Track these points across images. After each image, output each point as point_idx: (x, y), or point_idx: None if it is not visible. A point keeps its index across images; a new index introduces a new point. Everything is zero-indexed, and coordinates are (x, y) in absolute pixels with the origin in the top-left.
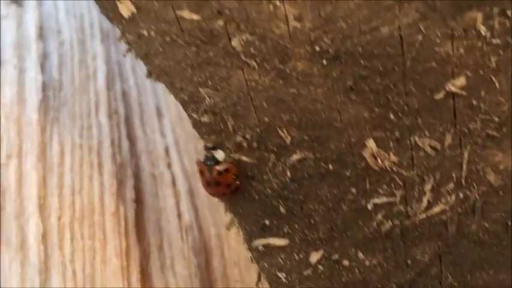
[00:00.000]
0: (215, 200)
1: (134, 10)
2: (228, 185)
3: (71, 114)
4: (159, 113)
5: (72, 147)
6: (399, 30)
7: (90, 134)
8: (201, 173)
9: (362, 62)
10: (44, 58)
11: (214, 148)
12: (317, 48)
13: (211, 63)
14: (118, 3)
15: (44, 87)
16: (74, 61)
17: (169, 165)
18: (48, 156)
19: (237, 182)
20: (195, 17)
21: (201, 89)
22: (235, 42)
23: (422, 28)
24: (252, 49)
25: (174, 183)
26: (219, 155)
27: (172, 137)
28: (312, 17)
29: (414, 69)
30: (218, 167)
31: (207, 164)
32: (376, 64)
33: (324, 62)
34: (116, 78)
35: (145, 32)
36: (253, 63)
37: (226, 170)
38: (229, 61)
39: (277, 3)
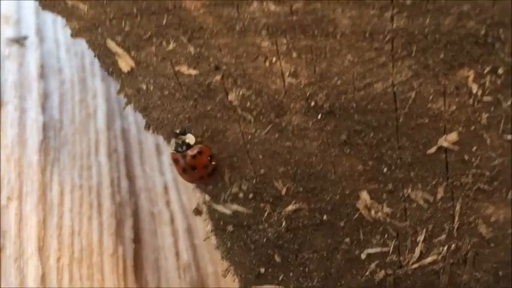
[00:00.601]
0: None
1: (133, 65)
2: (204, 166)
3: (71, 154)
4: (158, 151)
5: (72, 188)
6: (393, 87)
7: (90, 173)
8: (175, 161)
9: (356, 117)
10: (44, 98)
11: (184, 132)
12: (312, 103)
13: (209, 116)
14: (118, 58)
15: (45, 128)
16: (75, 100)
17: (168, 203)
18: (48, 197)
19: (213, 163)
20: (193, 72)
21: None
22: (232, 97)
23: (415, 85)
24: (248, 103)
25: (172, 221)
26: (190, 139)
27: (171, 174)
28: (307, 73)
29: (407, 125)
30: (191, 151)
31: (179, 150)
32: (370, 119)
33: (319, 116)
34: (116, 116)
35: (144, 86)
36: (250, 116)
37: (200, 153)
38: (226, 114)
39: (273, 59)
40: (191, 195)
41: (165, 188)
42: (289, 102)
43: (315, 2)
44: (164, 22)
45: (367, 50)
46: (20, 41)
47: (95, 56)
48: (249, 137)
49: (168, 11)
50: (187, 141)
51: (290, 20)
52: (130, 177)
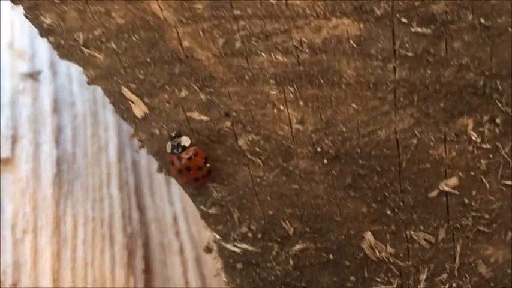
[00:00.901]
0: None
1: (147, 111)
2: (199, 168)
3: (84, 187)
4: (167, 181)
5: (85, 220)
6: (395, 134)
7: (102, 206)
8: (171, 163)
9: (360, 161)
10: (58, 132)
11: (179, 135)
12: (318, 149)
13: (219, 160)
14: (132, 104)
15: (58, 161)
16: (87, 133)
17: (177, 234)
18: (62, 230)
19: (208, 165)
20: (204, 118)
21: (209, 184)
22: (241, 142)
23: (417, 132)
24: (257, 148)
25: (182, 251)
26: (184, 141)
27: (180, 205)
28: (314, 121)
29: (410, 170)
30: (186, 153)
31: (175, 152)
32: (373, 164)
33: (325, 161)
34: (127, 148)
35: (157, 131)
36: (258, 161)
37: (195, 155)
38: (235, 158)
39: (281, 107)
40: (200, 225)
41: (175, 218)
42: (297, 148)
43: (321, 54)
44: (177, 71)
45: (371, 99)
46: (34, 75)
47: (110, 103)
48: (258, 179)
49: (181, 60)
50: (182, 143)
51: (297, 70)
52: (141, 208)
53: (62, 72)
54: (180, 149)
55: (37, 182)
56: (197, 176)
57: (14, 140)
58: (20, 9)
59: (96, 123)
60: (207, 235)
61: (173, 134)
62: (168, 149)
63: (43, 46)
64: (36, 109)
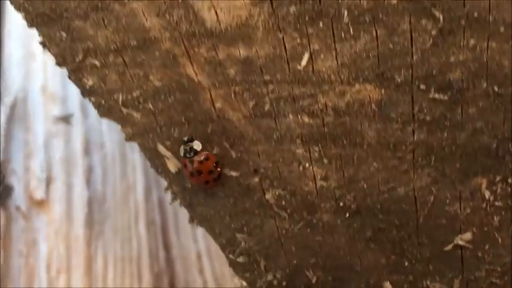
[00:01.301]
0: None
1: (180, 166)
2: (209, 171)
3: (113, 227)
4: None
5: (114, 260)
6: (414, 191)
7: (131, 245)
8: (184, 166)
9: (380, 216)
10: (89, 172)
11: (191, 140)
12: (341, 204)
13: (247, 212)
14: (166, 159)
15: (90, 202)
16: (116, 173)
17: (201, 271)
18: (94, 269)
19: (218, 169)
20: (234, 173)
21: (237, 235)
22: (268, 196)
23: (434, 190)
24: (283, 202)
25: None
26: (197, 145)
27: (204, 242)
28: (337, 177)
29: (427, 224)
30: (198, 157)
31: (187, 156)
32: (392, 219)
33: (347, 215)
34: (153, 187)
35: (189, 185)
36: (284, 214)
37: (206, 159)
38: (263, 211)
39: (307, 164)
40: (223, 262)
41: (199, 256)
42: (320, 202)
43: (345, 116)
44: (209, 130)
45: (391, 158)
46: (66, 118)
47: (145, 158)
48: (283, 231)
49: (213, 120)
50: (194, 147)
51: (322, 131)
52: (167, 246)
53: (92, 114)
54: (192, 153)
55: (70, 223)
56: (207, 179)
57: (48, 181)
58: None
59: (124, 163)
60: (234, 282)
61: (186, 139)
62: (181, 152)
63: (74, 88)
64: (69, 151)
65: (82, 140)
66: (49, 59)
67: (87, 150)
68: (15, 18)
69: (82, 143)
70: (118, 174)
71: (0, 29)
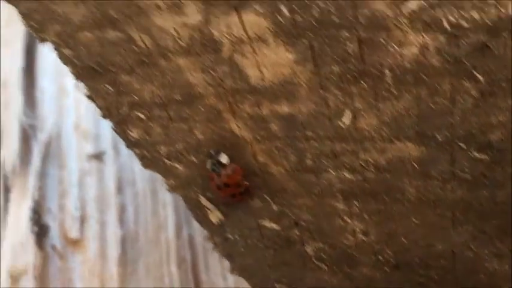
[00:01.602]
0: None
1: (222, 218)
2: (237, 185)
3: (146, 265)
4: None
5: None
6: (452, 247)
7: (163, 283)
8: (211, 179)
9: (419, 271)
10: (122, 210)
11: (218, 152)
12: (380, 258)
13: (287, 264)
14: (208, 211)
15: (123, 240)
16: (147, 211)
17: None
18: None
19: (246, 183)
20: (275, 226)
21: (277, 285)
22: (308, 249)
23: (472, 247)
24: (323, 255)
25: None
26: (223, 158)
27: (233, 279)
28: (377, 232)
29: (465, 279)
30: (225, 170)
31: (214, 169)
32: (431, 274)
33: (386, 269)
34: (183, 224)
35: (230, 236)
36: (324, 266)
37: (234, 172)
38: (302, 263)
39: (347, 219)
40: None
41: None
42: (360, 256)
43: (385, 173)
44: (251, 183)
45: (430, 215)
46: (99, 156)
47: (188, 209)
48: (323, 283)
49: (255, 174)
50: (222, 160)
51: (362, 187)
52: (197, 283)
53: (124, 151)
54: (219, 166)
55: (104, 262)
56: (234, 192)
57: (83, 220)
58: (83, 89)
59: (155, 201)
60: None
61: (213, 152)
62: (208, 165)
63: (106, 126)
64: (102, 189)
65: (114, 177)
66: (81, 96)
67: (119, 188)
68: (47, 54)
69: (114, 180)
70: (149, 211)
71: (33, 65)
